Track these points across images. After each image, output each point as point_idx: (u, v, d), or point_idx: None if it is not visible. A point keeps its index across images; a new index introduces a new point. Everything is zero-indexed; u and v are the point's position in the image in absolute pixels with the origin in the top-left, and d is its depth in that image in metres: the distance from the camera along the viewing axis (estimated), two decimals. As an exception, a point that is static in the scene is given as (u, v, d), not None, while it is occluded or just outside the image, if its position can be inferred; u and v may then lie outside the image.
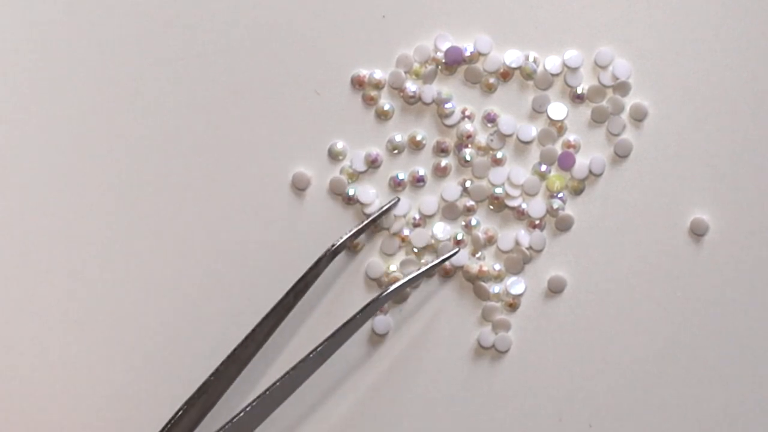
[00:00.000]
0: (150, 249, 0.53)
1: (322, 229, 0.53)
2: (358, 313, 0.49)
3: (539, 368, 0.53)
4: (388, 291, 0.50)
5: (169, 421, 0.48)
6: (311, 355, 0.48)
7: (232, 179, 0.53)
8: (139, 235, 0.53)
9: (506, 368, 0.53)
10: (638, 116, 0.54)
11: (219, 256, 0.53)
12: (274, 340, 0.51)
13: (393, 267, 0.53)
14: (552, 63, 0.54)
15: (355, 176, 0.54)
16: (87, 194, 0.53)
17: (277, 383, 0.48)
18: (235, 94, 0.53)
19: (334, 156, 0.53)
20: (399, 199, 0.53)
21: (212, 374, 0.49)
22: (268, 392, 0.48)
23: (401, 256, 0.54)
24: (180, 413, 0.48)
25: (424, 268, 0.51)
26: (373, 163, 0.53)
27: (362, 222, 0.52)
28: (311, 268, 0.50)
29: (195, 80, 0.53)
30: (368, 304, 0.49)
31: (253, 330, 0.49)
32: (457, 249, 0.52)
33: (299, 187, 0.53)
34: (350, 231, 0.51)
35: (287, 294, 0.50)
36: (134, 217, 0.53)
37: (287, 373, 0.48)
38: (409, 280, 0.50)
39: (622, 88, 0.54)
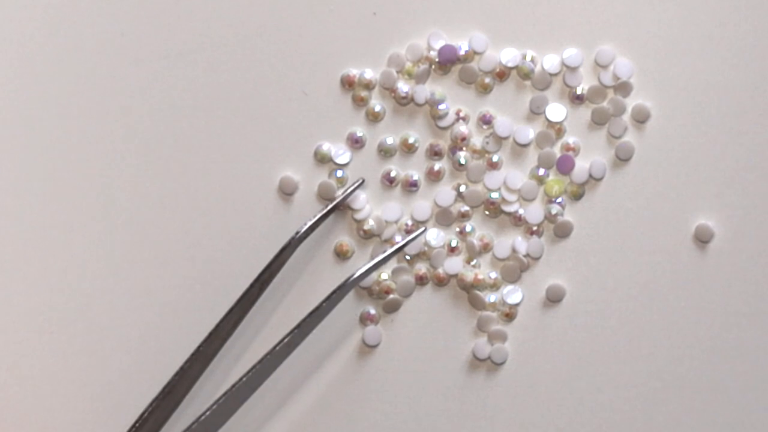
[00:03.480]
0: (131, 253, 0.53)
1: (311, 235, 0.53)
2: (324, 301, 0.49)
3: (537, 381, 0.53)
4: (355, 276, 0.50)
5: (135, 422, 0.49)
6: (277, 348, 0.49)
7: (217, 183, 0.53)
8: (120, 239, 0.53)
9: (502, 381, 0.53)
10: (640, 118, 0.54)
11: (204, 264, 0.53)
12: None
13: (384, 276, 0.53)
14: (550, 62, 0.54)
15: (344, 180, 0.54)
16: (70, 195, 0.53)
17: (244, 378, 0.48)
18: (219, 94, 0.53)
19: (320, 159, 0.53)
20: (363, 180, 0.53)
21: (176, 373, 0.49)
22: (234, 388, 0.48)
23: (393, 263, 0.53)
24: (145, 414, 0.49)
25: (397, 245, 0.51)
26: (356, 144, 0.53)
27: (326, 206, 0.52)
28: (276, 257, 0.51)
29: (178, 80, 0.53)
30: (335, 291, 0.50)
31: (217, 325, 0.50)
32: (424, 229, 0.52)
33: (286, 191, 0.53)
34: (315, 216, 0.52)
35: (252, 285, 0.50)
36: (116, 220, 0.53)
37: (253, 367, 0.49)
38: (380, 260, 0.50)
39: (623, 88, 0.54)
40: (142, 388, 0.51)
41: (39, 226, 0.53)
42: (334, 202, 0.52)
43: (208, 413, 0.48)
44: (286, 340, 0.49)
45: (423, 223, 0.53)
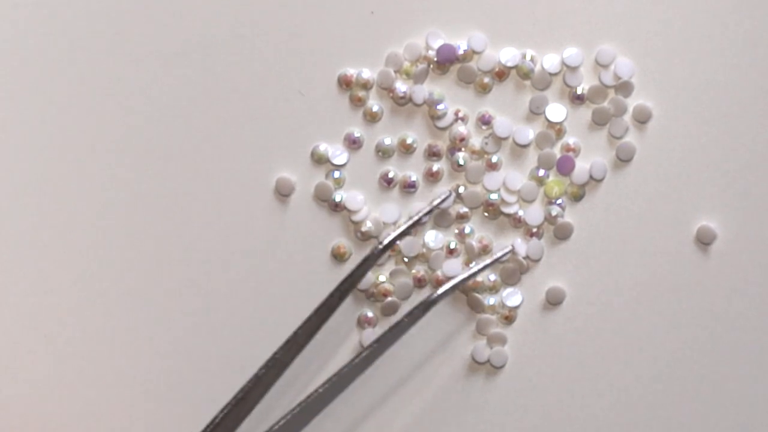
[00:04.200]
0: (127, 256, 0.53)
1: (308, 237, 0.53)
2: (406, 316, 0.50)
3: (537, 385, 0.53)
4: (455, 281, 0.50)
5: (207, 426, 0.49)
6: (356, 361, 0.49)
7: (212, 184, 0.53)
8: (112, 239, 0.53)
9: (502, 385, 0.53)
10: (642, 118, 0.54)
11: (199, 266, 0.53)
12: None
13: (382, 278, 0.53)
14: (550, 62, 0.53)
15: (341, 181, 0.53)
16: (63, 198, 0.53)
17: (319, 389, 0.49)
18: (214, 94, 0.53)
19: (317, 159, 0.53)
20: (450, 193, 0.53)
21: (250, 380, 0.49)
22: (311, 399, 0.49)
23: (390, 266, 0.53)
24: (217, 419, 0.49)
25: (488, 261, 0.51)
26: (353, 144, 0.53)
27: (411, 218, 0.52)
28: (358, 267, 0.50)
29: (172, 80, 0.53)
30: (419, 305, 0.50)
31: (295, 333, 0.49)
32: (510, 248, 0.52)
33: (283, 193, 0.53)
34: (401, 227, 0.51)
35: (332, 294, 0.50)
36: (108, 221, 0.53)
37: (330, 379, 0.49)
38: (475, 271, 0.51)
39: (624, 88, 0.53)
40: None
41: (31, 228, 0.53)
42: (422, 213, 0.51)
43: (282, 422, 0.48)
44: (364, 354, 0.49)
45: (421, 225, 0.53)
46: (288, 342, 0.49)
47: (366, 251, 0.53)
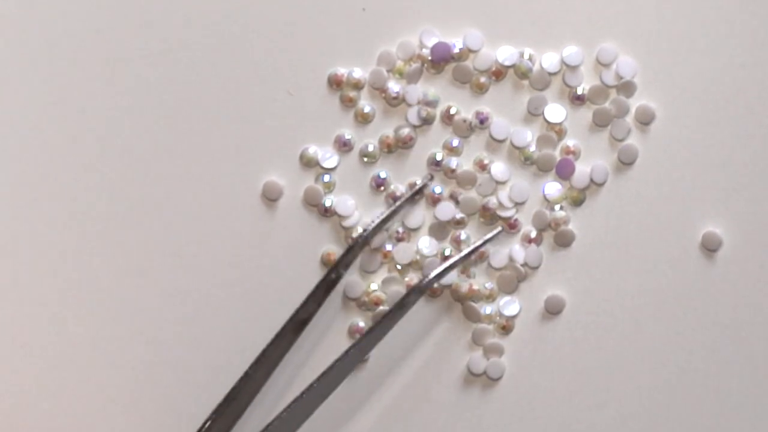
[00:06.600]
0: (111, 261, 0.53)
1: (296, 243, 0.53)
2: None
3: (535, 397, 0.53)
4: (446, 265, 0.50)
5: (200, 429, 0.49)
6: (347, 354, 0.49)
7: (198, 188, 0.53)
8: (100, 245, 0.53)
9: (499, 397, 0.53)
10: (644, 119, 0.53)
11: (182, 273, 0.53)
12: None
13: (374, 286, 0.53)
14: (549, 60, 0.53)
15: (331, 186, 0.53)
16: (46, 202, 0.53)
17: (312, 385, 0.49)
18: (200, 94, 0.53)
19: (306, 162, 0.53)
20: (432, 177, 0.53)
21: (241, 378, 0.50)
22: (300, 398, 0.49)
23: (383, 273, 0.53)
24: (208, 423, 0.49)
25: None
26: (344, 147, 0.53)
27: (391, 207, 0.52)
28: (346, 252, 0.51)
29: (157, 79, 0.53)
30: (409, 293, 0.50)
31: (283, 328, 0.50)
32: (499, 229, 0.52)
33: (270, 197, 0.53)
34: (384, 213, 0.52)
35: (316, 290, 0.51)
36: (94, 227, 0.53)
37: (321, 376, 0.49)
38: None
39: (626, 88, 0.53)
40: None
41: (16, 233, 0.53)
42: (412, 192, 0.52)
43: (275, 422, 0.48)
44: (358, 345, 0.49)
45: (414, 230, 0.53)
46: (274, 341, 0.50)
47: (357, 259, 0.52)
